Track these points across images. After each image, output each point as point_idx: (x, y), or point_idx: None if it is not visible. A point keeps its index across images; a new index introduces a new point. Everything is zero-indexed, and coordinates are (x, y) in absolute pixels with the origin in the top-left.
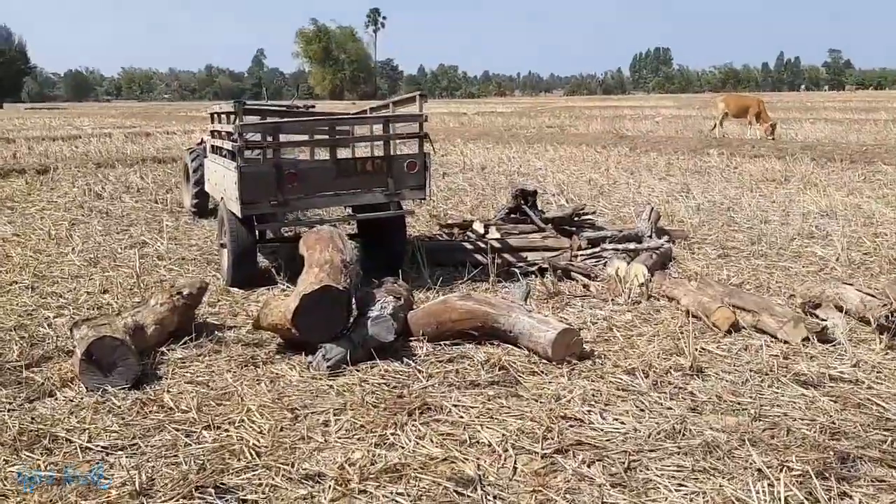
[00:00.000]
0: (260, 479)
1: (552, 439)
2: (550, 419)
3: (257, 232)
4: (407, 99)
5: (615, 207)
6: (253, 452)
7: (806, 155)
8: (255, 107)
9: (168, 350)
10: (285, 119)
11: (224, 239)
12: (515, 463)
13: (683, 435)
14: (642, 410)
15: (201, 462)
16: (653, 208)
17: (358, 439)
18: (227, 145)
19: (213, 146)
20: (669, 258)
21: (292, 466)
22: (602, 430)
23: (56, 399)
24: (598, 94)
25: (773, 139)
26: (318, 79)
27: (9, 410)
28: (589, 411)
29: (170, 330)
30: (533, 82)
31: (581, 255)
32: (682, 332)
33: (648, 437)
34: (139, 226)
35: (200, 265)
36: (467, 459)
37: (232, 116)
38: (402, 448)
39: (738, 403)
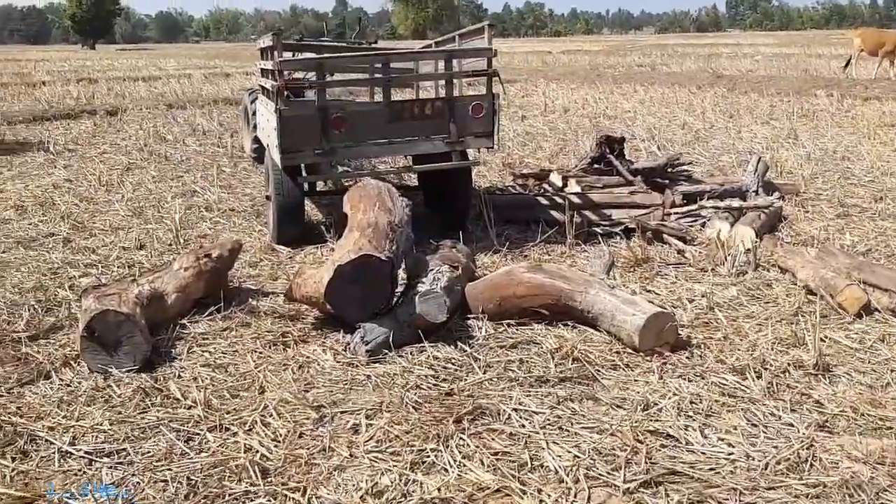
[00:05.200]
0: None
1: (637, 465)
2: (636, 434)
3: (307, 184)
4: (474, 31)
5: (713, 156)
6: (258, 471)
7: None
8: (311, 44)
9: (190, 322)
10: (328, 55)
11: (270, 191)
12: (589, 500)
13: (812, 466)
14: (755, 426)
15: (194, 482)
16: (759, 158)
17: (391, 453)
18: (267, 84)
19: (261, 87)
20: (779, 218)
21: (304, 495)
22: (703, 453)
23: (51, 382)
24: (691, 32)
25: None
26: (401, 18)
27: None
28: (686, 426)
29: (195, 298)
30: (623, 20)
31: (675, 213)
32: (801, 316)
33: (765, 468)
34: (195, 172)
35: (248, 217)
36: (525, 493)
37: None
38: (445, 472)
39: (881, 419)
